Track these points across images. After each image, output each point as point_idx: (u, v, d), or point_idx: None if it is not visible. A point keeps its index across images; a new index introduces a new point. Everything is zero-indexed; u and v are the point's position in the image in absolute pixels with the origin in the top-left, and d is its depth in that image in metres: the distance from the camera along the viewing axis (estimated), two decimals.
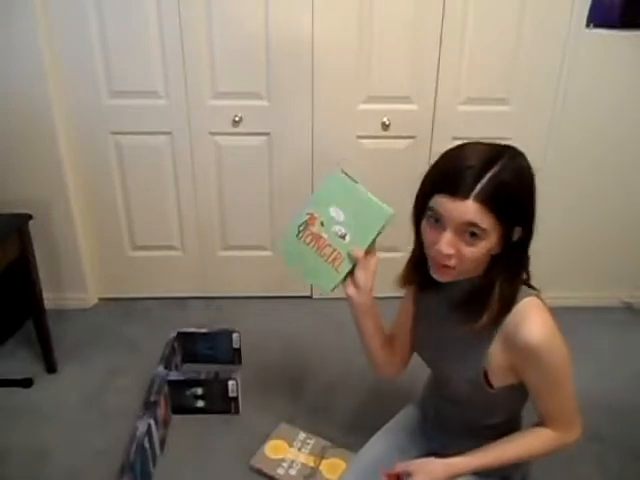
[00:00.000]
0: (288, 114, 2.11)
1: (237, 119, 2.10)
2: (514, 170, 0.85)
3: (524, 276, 0.97)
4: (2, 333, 2.11)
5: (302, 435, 1.60)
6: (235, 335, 1.93)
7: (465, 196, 0.82)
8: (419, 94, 2.09)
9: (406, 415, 1.27)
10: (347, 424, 1.66)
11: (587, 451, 1.60)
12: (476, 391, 0.99)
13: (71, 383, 1.87)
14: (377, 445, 1.19)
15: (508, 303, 0.91)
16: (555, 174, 2.20)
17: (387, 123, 2.12)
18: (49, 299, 1.94)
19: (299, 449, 1.54)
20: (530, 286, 0.98)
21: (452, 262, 0.88)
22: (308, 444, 1.56)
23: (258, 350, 2.02)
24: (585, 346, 2.15)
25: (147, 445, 1.44)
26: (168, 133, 2.13)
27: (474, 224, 0.83)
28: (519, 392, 1.01)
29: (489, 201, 0.82)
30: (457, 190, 0.83)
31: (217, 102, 2.09)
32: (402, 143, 2.18)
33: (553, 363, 0.91)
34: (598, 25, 1.95)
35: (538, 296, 0.95)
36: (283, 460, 1.51)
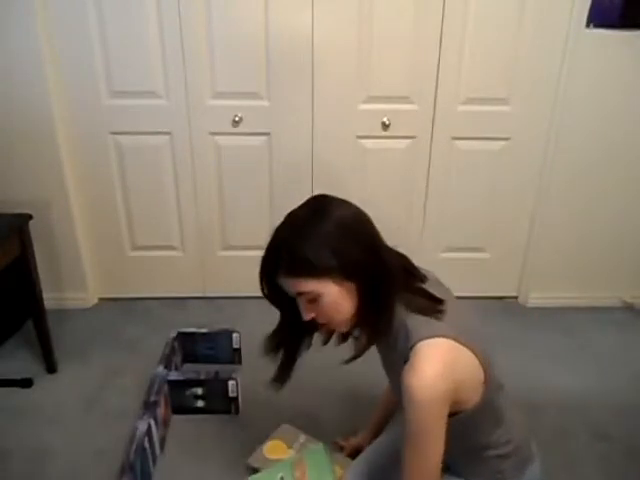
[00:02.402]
0: (288, 114, 2.11)
1: (237, 119, 2.10)
2: (296, 234, 0.93)
3: (422, 311, 0.93)
4: (2, 333, 2.11)
5: (302, 437, 1.58)
6: (235, 335, 1.93)
7: (278, 275, 0.93)
8: (419, 94, 2.09)
9: None
10: (347, 426, 1.66)
11: (590, 450, 1.61)
12: None
13: (71, 383, 1.87)
14: (380, 445, 1.20)
15: (371, 335, 0.97)
16: (555, 174, 2.20)
17: (387, 123, 2.12)
18: (49, 299, 1.94)
19: (297, 451, 1.52)
20: (437, 310, 0.94)
21: (321, 321, 0.96)
22: (307, 447, 1.53)
23: (258, 350, 2.01)
24: (586, 346, 2.15)
25: (147, 445, 1.44)
26: (168, 133, 2.13)
27: (301, 293, 0.92)
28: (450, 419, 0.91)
29: (291, 271, 0.91)
30: (272, 272, 0.95)
31: (217, 102, 2.09)
32: (402, 143, 2.18)
33: (415, 418, 0.86)
34: (598, 25, 1.95)
35: (439, 334, 0.88)
36: (280, 461, 1.48)
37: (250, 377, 1.83)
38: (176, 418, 1.71)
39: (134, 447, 1.38)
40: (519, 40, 2.01)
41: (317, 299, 0.91)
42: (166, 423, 1.65)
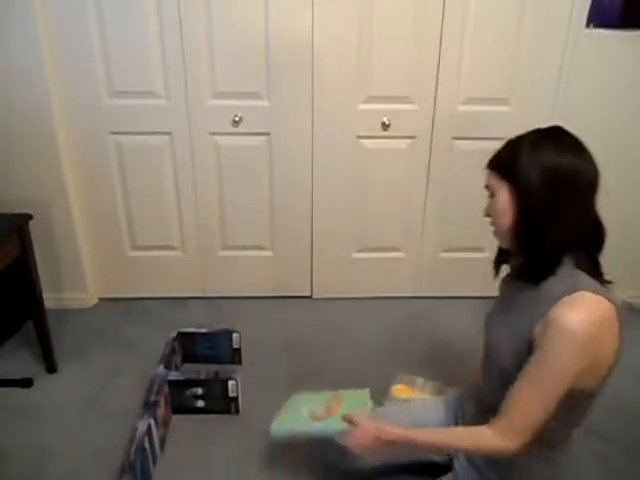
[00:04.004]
0: (288, 114, 2.11)
1: (237, 119, 2.10)
2: (520, 141, 1.00)
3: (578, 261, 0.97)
4: (2, 333, 2.11)
5: (420, 379, 1.70)
6: (235, 335, 1.93)
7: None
8: (419, 94, 2.09)
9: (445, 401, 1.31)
10: None
11: (590, 449, 1.61)
12: (518, 363, 0.96)
13: (71, 383, 1.87)
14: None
15: (533, 267, 0.97)
16: None
17: (387, 123, 2.12)
18: (49, 299, 1.94)
19: (421, 390, 1.66)
20: (605, 281, 0.99)
21: (491, 223, 1.04)
22: (427, 386, 1.67)
23: (258, 350, 2.02)
24: None
25: (147, 445, 1.44)
26: (168, 133, 2.13)
27: (487, 185, 1.03)
28: None
29: (492, 162, 1.03)
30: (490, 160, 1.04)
31: (217, 102, 2.09)
32: (402, 143, 2.18)
33: (554, 350, 0.89)
34: (598, 25, 1.95)
35: (606, 296, 0.93)
36: (411, 400, 1.59)
37: (250, 377, 1.84)
38: (176, 418, 1.71)
39: (134, 447, 1.38)
40: (519, 40, 2.01)
41: (493, 197, 1.01)
42: (166, 423, 1.65)
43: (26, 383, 1.85)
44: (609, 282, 0.98)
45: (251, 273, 2.40)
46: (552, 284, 0.94)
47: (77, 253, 2.27)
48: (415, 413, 1.29)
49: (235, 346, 1.95)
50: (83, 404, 1.77)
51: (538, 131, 1.00)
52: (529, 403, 0.93)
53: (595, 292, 0.91)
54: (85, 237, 2.29)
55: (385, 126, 2.13)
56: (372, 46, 2.01)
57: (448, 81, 2.07)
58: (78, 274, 2.31)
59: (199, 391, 1.69)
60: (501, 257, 1.11)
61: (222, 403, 1.71)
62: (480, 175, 2.24)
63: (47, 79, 1.96)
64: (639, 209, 2.27)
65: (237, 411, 1.73)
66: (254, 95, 2.08)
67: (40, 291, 1.84)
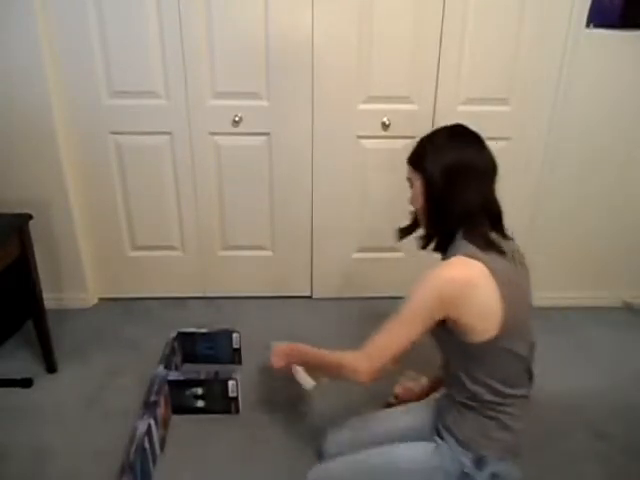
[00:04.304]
0: (288, 114, 2.11)
1: (237, 119, 2.10)
2: (427, 138, 1.19)
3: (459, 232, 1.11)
4: (2, 333, 2.11)
5: (424, 379, 1.67)
6: (235, 335, 1.93)
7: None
8: (419, 94, 2.09)
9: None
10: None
11: (590, 449, 1.61)
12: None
13: (71, 383, 1.87)
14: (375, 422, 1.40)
15: (437, 242, 1.20)
16: (555, 174, 2.20)
17: (387, 123, 2.12)
18: (49, 299, 1.94)
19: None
20: (500, 251, 1.09)
21: (411, 206, 1.23)
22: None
23: (258, 350, 2.01)
24: (586, 346, 2.15)
25: (147, 445, 1.44)
26: (168, 133, 2.13)
27: (408, 178, 1.20)
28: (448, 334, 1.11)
29: (409, 158, 1.20)
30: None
31: (217, 102, 2.09)
32: (402, 143, 2.17)
33: (412, 292, 1.09)
34: (598, 25, 1.95)
35: (482, 260, 1.04)
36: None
37: (250, 377, 1.84)
38: (176, 418, 1.71)
39: (134, 447, 1.38)
40: (519, 40, 2.01)
41: (411, 187, 1.19)
42: (166, 423, 1.65)
43: (26, 383, 1.85)
44: (503, 252, 1.08)
45: (251, 273, 2.40)
46: (450, 253, 1.10)
47: (77, 253, 2.27)
48: (396, 417, 1.39)
49: (235, 346, 1.95)
50: (83, 404, 1.77)
51: (442, 129, 1.19)
52: (384, 334, 1.12)
53: (470, 256, 1.04)
54: (85, 237, 2.29)
55: (385, 126, 2.13)
56: (372, 46, 2.01)
57: (448, 81, 2.07)
58: (78, 274, 2.31)
59: (199, 391, 1.69)
60: (407, 229, 1.30)
61: (222, 403, 1.71)
62: None
63: (47, 79, 1.96)
64: (639, 209, 2.27)
65: (237, 411, 1.73)
66: (254, 95, 2.08)
67: (40, 291, 1.84)
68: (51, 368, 1.91)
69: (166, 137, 2.14)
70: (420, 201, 1.17)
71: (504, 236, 1.17)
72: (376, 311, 2.29)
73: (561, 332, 2.22)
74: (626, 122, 2.12)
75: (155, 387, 1.61)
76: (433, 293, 1.05)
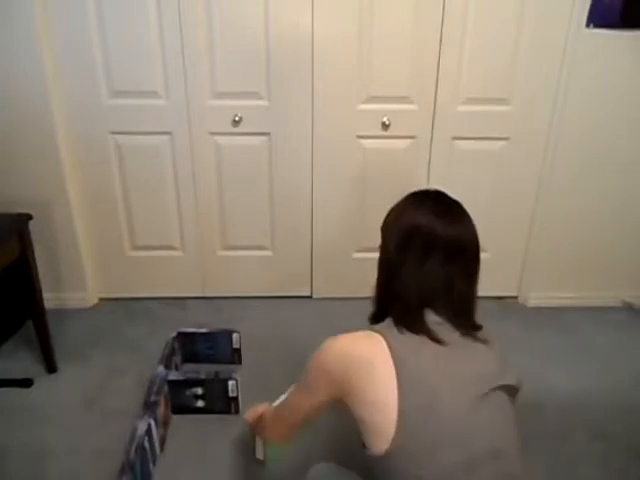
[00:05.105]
0: (288, 114, 2.11)
1: (237, 119, 2.10)
2: (394, 207, 1.07)
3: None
4: (2, 333, 2.10)
5: None
6: (235, 335, 1.93)
7: None
8: (419, 94, 2.09)
9: None
10: (340, 427, 1.66)
11: (591, 450, 1.61)
12: None
13: (71, 383, 1.87)
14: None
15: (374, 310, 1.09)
16: (555, 174, 2.20)
17: (387, 123, 2.12)
18: (49, 299, 1.94)
19: None
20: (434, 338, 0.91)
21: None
22: None
23: (258, 350, 2.01)
24: (586, 346, 2.15)
25: (147, 445, 1.44)
26: (168, 133, 2.13)
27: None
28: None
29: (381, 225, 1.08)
30: None
31: (217, 102, 2.09)
32: (402, 143, 2.18)
33: (306, 369, 0.99)
34: (598, 25, 1.95)
35: (385, 338, 0.89)
36: None
37: (250, 377, 1.84)
38: (176, 418, 1.71)
39: (134, 447, 1.38)
40: (519, 40, 2.01)
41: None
42: (166, 423, 1.65)
43: (26, 383, 1.85)
44: (440, 342, 0.89)
45: (251, 273, 2.40)
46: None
47: (77, 253, 2.26)
48: None
49: (235, 346, 1.95)
50: (83, 404, 1.77)
51: (413, 194, 1.06)
52: (287, 403, 1.09)
53: (371, 330, 0.92)
54: (85, 237, 2.29)
55: (385, 126, 2.13)
56: (372, 46, 2.01)
57: (448, 81, 2.07)
58: (78, 274, 2.31)
59: (199, 391, 1.69)
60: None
61: (222, 403, 1.71)
62: (480, 175, 2.25)
63: (47, 79, 1.96)
64: (638, 209, 2.27)
65: (237, 411, 1.73)
66: (254, 95, 2.08)
67: (40, 291, 1.84)
68: (51, 368, 1.91)
69: (166, 137, 2.14)
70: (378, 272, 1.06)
71: (466, 327, 0.95)
72: None
73: (561, 332, 2.22)
74: (626, 122, 2.12)
75: (155, 387, 1.61)
76: (322, 369, 0.93)
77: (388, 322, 0.94)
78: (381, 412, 0.83)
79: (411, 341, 0.89)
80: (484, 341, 0.94)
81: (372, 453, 0.85)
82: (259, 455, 1.47)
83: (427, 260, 0.93)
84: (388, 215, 1.05)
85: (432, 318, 0.92)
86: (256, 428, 1.31)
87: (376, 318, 1.01)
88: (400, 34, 1.99)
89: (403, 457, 0.82)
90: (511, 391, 0.94)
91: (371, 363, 0.86)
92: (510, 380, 0.93)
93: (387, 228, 1.03)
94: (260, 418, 1.28)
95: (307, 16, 1.96)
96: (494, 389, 0.89)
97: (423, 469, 0.81)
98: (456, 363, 0.89)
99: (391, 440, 0.81)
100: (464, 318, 0.96)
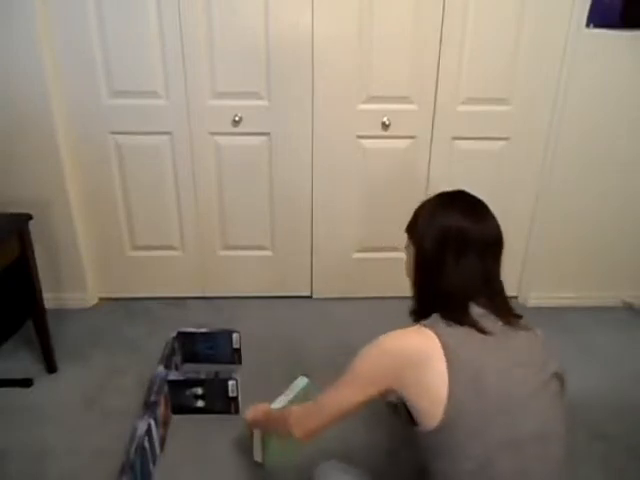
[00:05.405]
0: (288, 114, 2.11)
1: (237, 119, 2.10)
2: (423, 206, 1.11)
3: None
4: (2, 333, 2.10)
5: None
6: (235, 335, 1.93)
7: None
8: (419, 94, 2.09)
9: None
10: (339, 427, 1.66)
11: (591, 450, 1.61)
12: None
13: (71, 383, 1.87)
14: None
15: (417, 310, 1.09)
16: (555, 174, 2.20)
17: (387, 123, 2.12)
18: (49, 299, 1.94)
19: None
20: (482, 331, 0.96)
21: (406, 273, 1.14)
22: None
23: (258, 350, 2.01)
24: (586, 346, 2.15)
25: (147, 445, 1.44)
26: (168, 133, 2.13)
27: (406, 247, 1.12)
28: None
29: (407, 226, 1.12)
30: None
31: (217, 102, 2.09)
32: (402, 143, 2.18)
33: (352, 363, 1.02)
34: (598, 25, 1.95)
35: (437, 334, 0.94)
36: None
37: (250, 377, 1.84)
38: (176, 418, 1.71)
39: (134, 447, 1.38)
40: (519, 40, 2.01)
41: (405, 251, 1.11)
42: (166, 423, 1.65)
43: (26, 383, 1.85)
44: (486, 332, 0.95)
45: (251, 273, 2.40)
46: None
47: (77, 253, 2.26)
48: None
49: (235, 346, 1.94)
50: (83, 404, 1.77)
51: (440, 194, 1.11)
52: (323, 399, 1.08)
53: (424, 325, 0.96)
54: (85, 237, 2.29)
55: (385, 126, 2.13)
56: (372, 46, 2.01)
57: (448, 81, 2.07)
58: (78, 274, 2.31)
59: (199, 391, 1.69)
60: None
61: (222, 403, 1.71)
62: (480, 175, 2.26)
63: (47, 79, 1.96)
64: (638, 209, 2.27)
65: (237, 411, 1.73)
66: (254, 95, 2.08)
67: (40, 291, 1.84)
68: (51, 368, 1.91)
69: (166, 137, 2.14)
70: (412, 271, 1.09)
71: (507, 316, 1.00)
72: (376, 311, 2.30)
73: (561, 332, 2.22)
74: (626, 122, 2.12)
75: (155, 387, 1.61)
76: (373, 364, 0.99)
77: (435, 317, 0.98)
78: (434, 397, 0.90)
79: (459, 332, 0.95)
80: (527, 329, 1.01)
81: (423, 429, 0.93)
82: (257, 458, 1.48)
83: (464, 257, 0.99)
84: (416, 217, 1.09)
85: (476, 311, 0.98)
86: (262, 426, 1.37)
87: (418, 314, 1.06)
88: (400, 34, 1.99)
89: (453, 433, 0.90)
90: (560, 379, 1.01)
91: (426, 355, 0.92)
92: (555, 367, 1.00)
93: (419, 231, 1.06)
94: (264, 417, 1.33)
95: (307, 16, 1.96)
96: (551, 376, 0.97)
97: (470, 447, 0.89)
98: (503, 349, 0.96)
99: (440, 420, 0.89)
100: (504, 308, 1.02)
